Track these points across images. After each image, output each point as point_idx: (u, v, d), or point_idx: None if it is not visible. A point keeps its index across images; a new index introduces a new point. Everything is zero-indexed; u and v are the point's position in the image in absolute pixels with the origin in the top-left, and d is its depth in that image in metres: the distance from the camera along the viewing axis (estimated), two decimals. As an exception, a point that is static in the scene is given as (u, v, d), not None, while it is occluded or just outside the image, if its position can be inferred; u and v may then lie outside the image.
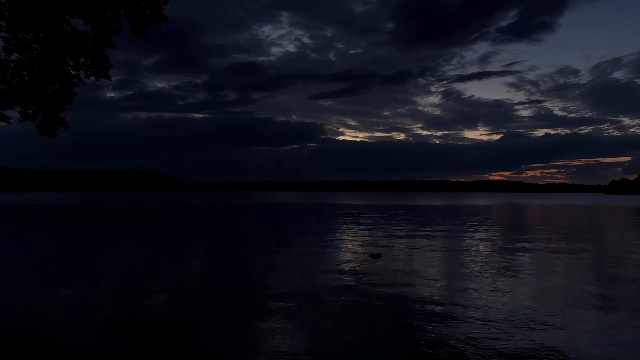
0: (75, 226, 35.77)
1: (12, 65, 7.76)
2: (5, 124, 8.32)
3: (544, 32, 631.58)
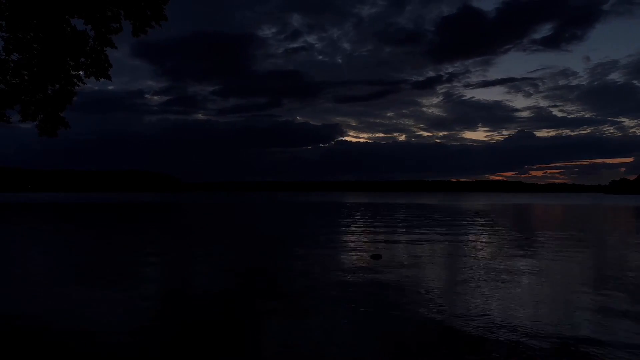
0: (104, 225, 35.79)
1: (12, 65, 7.75)
2: (5, 124, 8.32)
3: (573, 43, 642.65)
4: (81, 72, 8.09)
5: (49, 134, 8.60)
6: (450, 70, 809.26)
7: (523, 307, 10.82)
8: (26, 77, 7.85)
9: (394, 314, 10.25)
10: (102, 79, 8.28)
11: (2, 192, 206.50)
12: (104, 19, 7.66)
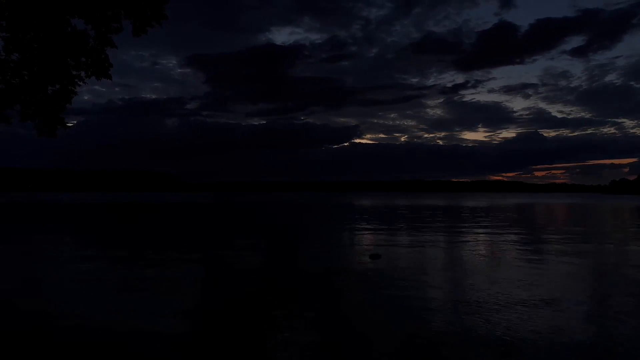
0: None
1: (12, 65, 7.72)
2: (6, 124, 8.28)
3: (599, 53, 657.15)
4: (82, 73, 8.06)
5: (47, 134, 8.55)
6: (476, 77, 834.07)
7: (522, 305, 10.84)
8: (26, 77, 7.82)
9: (392, 313, 10.26)
10: (103, 79, 8.25)
11: (3, 192, 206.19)
12: (104, 18, 7.63)
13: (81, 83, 8.20)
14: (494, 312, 10.40)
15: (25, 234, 28.20)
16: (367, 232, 29.96)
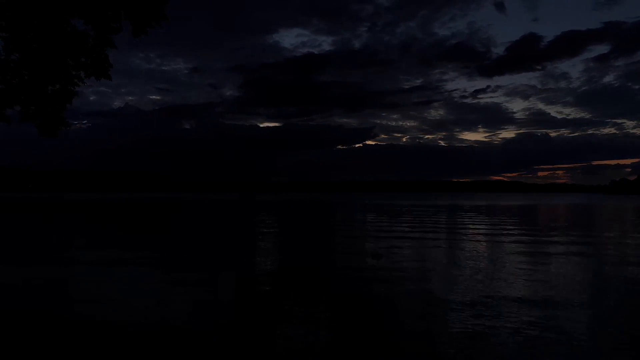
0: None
1: (12, 65, 7.71)
2: (6, 124, 8.27)
3: (620, 59, 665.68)
4: (82, 72, 8.06)
5: (49, 134, 8.55)
6: (497, 83, 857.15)
7: (523, 303, 10.84)
8: (26, 77, 7.82)
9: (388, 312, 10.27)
10: (103, 79, 8.25)
11: (5, 192, 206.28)
12: (104, 18, 7.63)
13: (81, 83, 8.21)
14: (496, 312, 10.39)
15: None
16: (368, 232, 29.95)
